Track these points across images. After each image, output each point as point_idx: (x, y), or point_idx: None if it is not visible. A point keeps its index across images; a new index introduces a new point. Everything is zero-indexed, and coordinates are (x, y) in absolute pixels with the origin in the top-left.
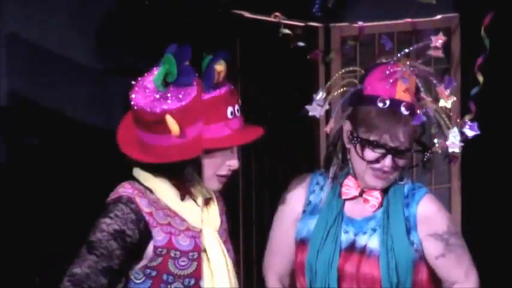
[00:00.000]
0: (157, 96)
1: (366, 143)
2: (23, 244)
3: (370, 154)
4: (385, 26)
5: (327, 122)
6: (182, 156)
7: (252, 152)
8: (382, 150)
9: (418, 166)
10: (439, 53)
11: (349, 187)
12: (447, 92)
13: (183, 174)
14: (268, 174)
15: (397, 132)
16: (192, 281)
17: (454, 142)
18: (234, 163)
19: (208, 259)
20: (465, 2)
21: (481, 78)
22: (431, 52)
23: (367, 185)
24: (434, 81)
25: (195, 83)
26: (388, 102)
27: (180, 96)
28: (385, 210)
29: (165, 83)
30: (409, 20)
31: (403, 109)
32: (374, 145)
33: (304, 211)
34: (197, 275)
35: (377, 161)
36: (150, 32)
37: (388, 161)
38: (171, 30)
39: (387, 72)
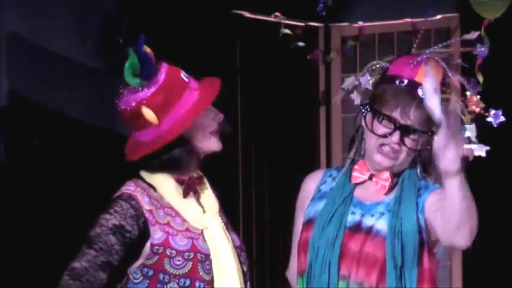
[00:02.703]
0: (131, 92)
1: (376, 114)
2: (23, 244)
3: (379, 128)
4: (385, 26)
5: (327, 122)
6: (163, 142)
7: (252, 152)
8: (392, 125)
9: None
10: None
11: (359, 171)
12: (476, 97)
13: (176, 163)
14: (268, 173)
15: (408, 110)
16: (188, 282)
17: (477, 145)
18: (217, 116)
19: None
20: (465, 2)
21: (481, 78)
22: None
23: (374, 163)
24: (467, 86)
25: (161, 69)
26: (406, 81)
27: (150, 84)
28: (397, 198)
29: (136, 77)
30: (409, 20)
31: (420, 91)
32: (384, 118)
33: (312, 198)
34: (192, 275)
35: (385, 136)
36: (150, 32)
37: (395, 136)
38: (171, 30)
39: (414, 58)
